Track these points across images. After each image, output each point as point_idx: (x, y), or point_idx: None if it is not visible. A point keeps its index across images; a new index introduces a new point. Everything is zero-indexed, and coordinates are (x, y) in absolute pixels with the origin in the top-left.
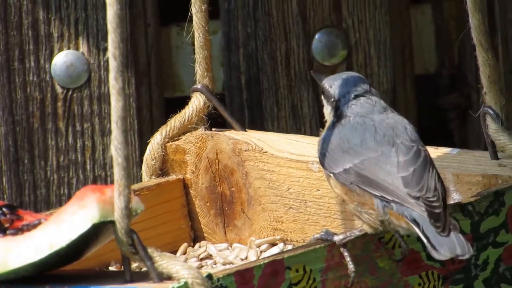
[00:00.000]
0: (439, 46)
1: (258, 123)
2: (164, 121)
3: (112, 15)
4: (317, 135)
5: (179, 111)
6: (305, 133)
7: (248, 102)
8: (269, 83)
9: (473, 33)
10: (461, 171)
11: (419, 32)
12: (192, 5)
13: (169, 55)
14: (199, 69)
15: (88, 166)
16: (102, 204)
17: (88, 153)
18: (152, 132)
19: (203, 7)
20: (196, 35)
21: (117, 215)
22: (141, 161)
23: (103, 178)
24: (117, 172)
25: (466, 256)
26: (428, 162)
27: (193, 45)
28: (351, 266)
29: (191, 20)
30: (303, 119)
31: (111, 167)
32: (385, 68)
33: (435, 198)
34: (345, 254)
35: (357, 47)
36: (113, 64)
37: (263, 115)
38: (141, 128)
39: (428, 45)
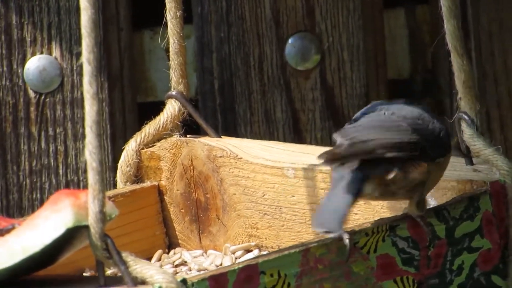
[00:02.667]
0: (412, 51)
1: (231, 128)
2: (137, 126)
3: (86, 19)
4: (290, 140)
5: (153, 116)
6: (278, 138)
7: (221, 107)
8: (242, 87)
9: (448, 39)
10: None
11: (392, 36)
12: (167, 11)
13: (142, 59)
14: (174, 76)
15: (60, 171)
16: (76, 209)
17: (60, 158)
18: (125, 137)
19: (178, 13)
20: (171, 41)
21: (91, 220)
22: (114, 166)
23: (75, 183)
24: (92, 177)
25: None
26: (405, 135)
27: (167, 50)
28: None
29: (164, 25)
30: (276, 124)
31: (84, 171)
32: (358, 72)
33: (341, 142)
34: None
35: (330, 51)
36: (87, 69)
37: (236, 120)
38: (114, 133)
39: (402, 50)
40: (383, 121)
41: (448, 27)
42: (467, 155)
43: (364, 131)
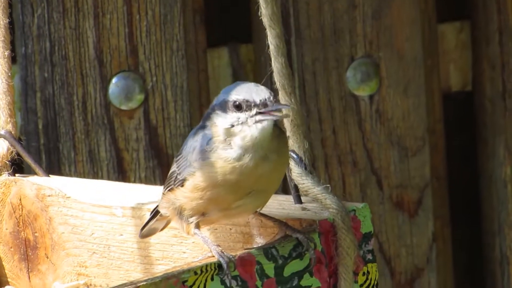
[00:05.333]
0: None
1: (55, 168)
2: None
3: None
4: (114, 179)
5: None
6: (102, 177)
7: (46, 146)
8: (66, 127)
9: (276, 77)
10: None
11: (216, 76)
12: None
13: None
14: (2, 115)
15: None
16: None
17: None
18: None
19: (6, 53)
20: None
21: None
22: None
23: None
24: None
25: None
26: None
27: None
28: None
29: None
30: (100, 163)
31: None
32: (182, 112)
33: None
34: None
35: (154, 91)
36: None
37: (60, 159)
38: None
39: None
40: None
41: (276, 65)
42: (296, 193)
43: None
